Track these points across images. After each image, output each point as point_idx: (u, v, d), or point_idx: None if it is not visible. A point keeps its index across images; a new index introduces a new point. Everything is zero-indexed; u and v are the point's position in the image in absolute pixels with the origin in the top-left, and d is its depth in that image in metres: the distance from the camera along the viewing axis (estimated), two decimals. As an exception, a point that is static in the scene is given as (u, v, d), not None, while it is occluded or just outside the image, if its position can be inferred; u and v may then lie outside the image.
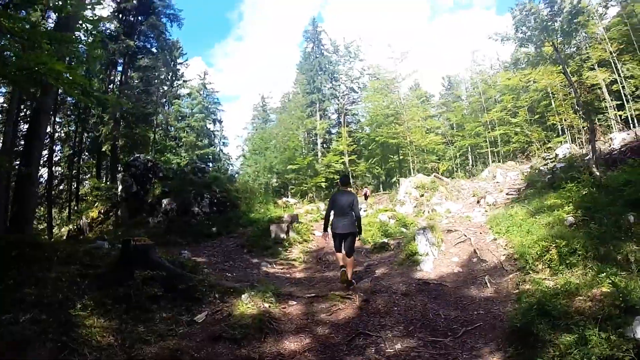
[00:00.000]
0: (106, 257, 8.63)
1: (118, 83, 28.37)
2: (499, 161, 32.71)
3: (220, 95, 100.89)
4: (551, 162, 20.46)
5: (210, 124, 49.18)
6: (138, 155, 20.33)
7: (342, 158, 36.84)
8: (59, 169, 30.17)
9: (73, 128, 29.49)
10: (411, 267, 10.17)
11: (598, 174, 11.92)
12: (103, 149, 25.48)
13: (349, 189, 8.85)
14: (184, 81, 45.27)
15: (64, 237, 20.67)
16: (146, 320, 6.24)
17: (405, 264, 10.43)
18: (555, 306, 5.68)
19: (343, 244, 8.50)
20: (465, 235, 12.23)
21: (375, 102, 35.63)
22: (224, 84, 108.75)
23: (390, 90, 34.41)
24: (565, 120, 30.22)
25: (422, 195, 20.69)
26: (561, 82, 29.88)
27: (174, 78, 44.59)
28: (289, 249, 13.24)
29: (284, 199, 20.65)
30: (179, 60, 44.85)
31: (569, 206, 10.29)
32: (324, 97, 43.61)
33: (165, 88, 43.80)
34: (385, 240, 13.11)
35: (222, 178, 19.44)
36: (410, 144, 32.43)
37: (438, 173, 26.36)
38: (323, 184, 35.30)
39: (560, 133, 31.77)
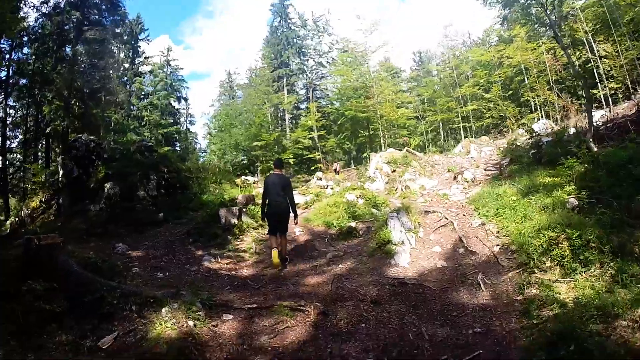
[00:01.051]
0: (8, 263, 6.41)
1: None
2: (472, 137, 30.85)
3: (190, 73, 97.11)
4: (529, 137, 18.92)
5: (175, 102, 46.01)
6: (79, 135, 17.55)
7: (311, 133, 34.46)
8: (17, 155, 26.94)
9: (26, 111, 26.21)
10: (383, 260, 8.11)
11: (596, 149, 9.93)
12: (48, 131, 22.53)
13: (281, 172, 8.89)
14: (145, 58, 42.14)
15: (7, 231, 18.04)
16: (38, 347, 4.65)
17: (377, 256, 8.35)
18: (597, 342, 3.57)
19: (278, 227, 8.55)
20: (447, 218, 10.16)
21: (344, 76, 33.03)
22: (194, 61, 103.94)
23: (359, 63, 31.92)
24: (538, 96, 28.53)
25: (394, 171, 18.60)
26: (536, 59, 28.41)
27: (134, 55, 41.40)
28: (241, 236, 10.97)
29: (243, 178, 18.25)
30: (140, 37, 41.69)
31: (569, 185, 8.36)
32: (292, 72, 41.03)
33: (126, 66, 40.62)
34: (353, 224, 11.01)
35: (171, 156, 16.84)
36: (381, 118, 30.22)
37: (410, 148, 24.20)
38: (291, 160, 32.94)
39: (533, 109, 30.11)
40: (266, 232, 9.77)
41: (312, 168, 32.24)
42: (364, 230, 10.21)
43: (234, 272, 8.67)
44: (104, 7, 26.51)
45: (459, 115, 33.94)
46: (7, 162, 24.95)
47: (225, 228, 11.21)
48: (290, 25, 42.49)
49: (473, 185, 14.81)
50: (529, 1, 19.75)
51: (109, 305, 5.66)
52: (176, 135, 45.52)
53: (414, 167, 19.26)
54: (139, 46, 41.78)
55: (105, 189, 15.20)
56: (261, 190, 11.68)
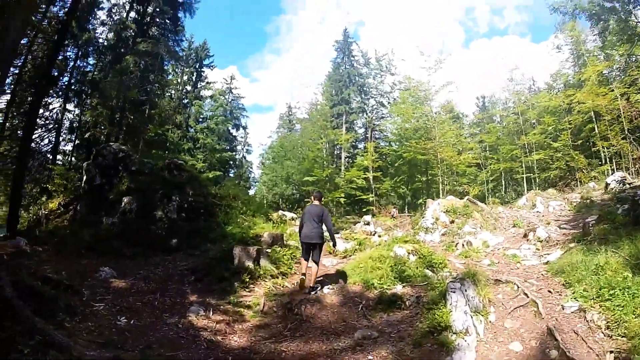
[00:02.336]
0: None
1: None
2: (536, 189, 27.21)
3: (254, 105, 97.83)
4: (604, 192, 15.48)
5: (233, 129, 45.21)
6: (110, 143, 15.91)
7: (366, 174, 32.07)
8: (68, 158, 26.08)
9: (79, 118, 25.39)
10: (436, 355, 5.29)
11: None
12: (86, 136, 21.28)
13: (320, 203, 8.87)
14: (207, 83, 41.67)
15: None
16: None
17: (426, 347, 5.59)
18: None
19: (311, 254, 8.50)
20: (526, 295, 7.16)
21: (404, 115, 30.46)
22: (259, 94, 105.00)
23: (421, 102, 29.39)
24: (612, 146, 25.25)
25: (453, 222, 15.52)
26: (608, 105, 25.12)
27: (197, 79, 41.04)
28: (252, 285, 8.40)
29: (280, 212, 15.75)
30: (204, 62, 41.42)
31: None
32: (352, 109, 39.06)
33: (188, 88, 40.24)
34: (399, 288, 8.20)
35: (202, 178, 14.70)
36: (441, 163, 27.33)
37: (471, 197, 21.03)
38: (342, 199, 30.45)
39: (604, 161, 26.48)
40: (285, 283, 7.40)
41: (364, 210, 29.69)
42: (412, 299, 7.32)
43: (220, 338, 6.12)
44: (162, 23, 25.49)
45: (523, 165, 30.54)
46: (60, 163, 23.86)
47: (236, 271, 8.73)
48: (352, 62, 40.85)
49: (548, 246, 11.69)
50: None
51: (16, 354, 4.00)
52: (231, 162, 44.43)
53: (475, 219, 16.14)
54: (203, 71, 41.70)
55: (123, 203, 13.30)
56: (296, 229, 10.29)
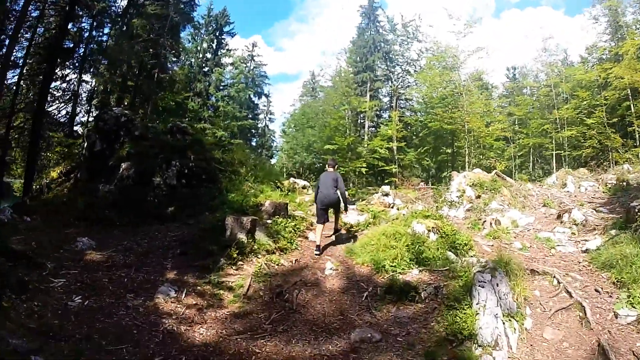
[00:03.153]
0: None
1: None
2: (565, 167, 25.01)
3: (279, 74, 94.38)
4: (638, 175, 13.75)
5: (255, 97, 43.89)
6: (111, 107, 14.75)
7: (390, 144, 30.17)
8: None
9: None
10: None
11: None
12: (94, 102, 20.19)
13: (334, 169, 8.94)
14: (227, 50, 40.01)
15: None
16: None
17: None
18: None
19: (325, 215, 8.52)
20: (569, 294, 5.67)
21: (432, 82, 28.18)
22: (284, 63, 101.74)
23: (449, 69, 27.13)
24: None
25: (479, 197, 13.92)
26: None
27: (218, 47, 39.47)
28: (241, 262, 7.08)
29: (291, 180, 14.32)
30: (224, 29, 39.77)
31: None
32: (376, 77, 36.59)
33: (209, 56, 38.78)
34: (415, 273, 6.77)
35: (206, 142, 13.34)
36: (468, 134, 25.26)
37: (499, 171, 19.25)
38: (363, 170, 28.78)
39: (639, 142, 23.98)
40: (282, 260, 6.57)
41: (386, 181, 27.92)
42: (429, 290, 5.82)
43: (183, 329, 4.89)
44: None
45: (554, 142, 28.18)
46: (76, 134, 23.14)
47: (226, 244, 7.40)
48: (378, 28, 38.17)
49: (585, 231, 10.14)
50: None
51: None
52: (253, 130, 43.16)
53: (504, 195, 14.53)
54: (223, 38, 39.89)
55: (121, 169, 12.21)
56: (307, 198, 11.05)
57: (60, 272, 6.19)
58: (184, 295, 5.80)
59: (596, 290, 5.90)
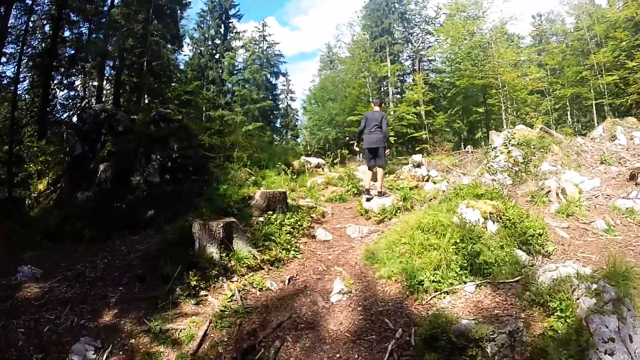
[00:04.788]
0: None
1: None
2: (609, 117, 21.45)
3: (297, 53, 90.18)
4: None
5: (272, 77, 41.10)
6: (91, 105, 12.47)
7: (417, 108, 27.27)
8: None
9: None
10: None
11: None
12: (83, 104, 18.01)
13: (380, 108, 8.49)
14: (236, 33, 37.35)
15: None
16: None
17: None
18: None
19: (374, 160, 8.09)
20: None
21: (456, 35, 24.49)
22: (301, 41, 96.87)
23: (473, 18, 23.61)
24: None
25: (527, 158, 11.05)
26: None
27: (226, 31, 36.87)
28: (208, 289, 4.59)
29: (303, 159, 11.61)
30: (230, 12, 37.10)
31: None
32: (395, 40, 33.42)
33: (217, 42, 36.23)
34: (469, 291, 4.12)
35: (192, 127, 10.78)
36: (502, 87, 21.84)
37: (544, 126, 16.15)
38: (392, 139, 25.69)
39: None
40: (268, 281, 4.17)
41: (417, 149, 25.33)
42: (500, 339, 3.04)
43: None
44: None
45: (592, 90, 24.30)
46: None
47: (193, 262, 4.93)
48: (390, -13, 34.65)
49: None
50: None
51: None
52: (274, 111, 40.64)
53: (555, 154, 11.74)
54: (230, 22, 37.21)
55: (99, 172, 9.98)
56: (320, 180, 9.56)
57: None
58: (104, 357, 3.42)
59: None
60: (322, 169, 11.41)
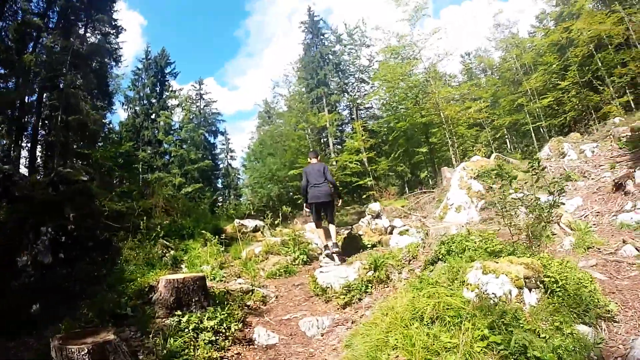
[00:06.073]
0: None
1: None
2: (546, 138, 21.67)
3: (236, 112, 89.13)
4: None
5: (210, 136, 38.73)
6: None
7: (359, 156, 25.74)
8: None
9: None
10: None
11: None
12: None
13: (317, 160, 7.63)
14: (172, 91, 35.21)
15: None
16: None
17: None
18: None
19: (325, 215, 7.17)
20: None
21: (393, 76, 23.45)
22: (240, 101, 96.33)
23: (409, 58, 22.81)
24: (626, 75, 19.68)
25: (491, 189, 9.60)
26: (611, 29, 19.53)
27: (162, 89, 34.70)
28: None
29: (237, 222, 9.17)
30: (166, 70, 35.16)
31: None
32: (331, 91, 32.55)
33: (153, 101, 33.85)
34: None
35: (94, 189, 8.24)
36: (446, 122, 20.85)
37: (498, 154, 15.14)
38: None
39: (614, 95, 20.74)
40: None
41: (364, 197, 24.21)
42: None
43: None
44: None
45: (527, 116, 24.54)
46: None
47: None
48: (323, 41, 34.28)
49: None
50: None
51: None
52: (214, 171, 38.13)
53: (519, 180, 10.48)
54: (167, 80, 35.15)
55: (-18, 253, 7.14)
56: (258, 249, 7.36)
57: None
58: None
59: None
60: (262, 232, 9.06)
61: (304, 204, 7.43)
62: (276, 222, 8.47)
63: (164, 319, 4.02)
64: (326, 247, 6.82)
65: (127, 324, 4.04)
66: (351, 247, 7.39)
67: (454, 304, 3.15)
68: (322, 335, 3.97)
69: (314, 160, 7.56)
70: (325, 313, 4.41)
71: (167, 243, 7.08)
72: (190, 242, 7.43)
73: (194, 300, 4.25)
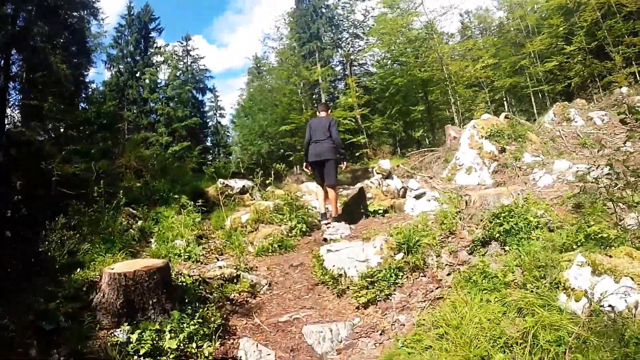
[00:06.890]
0: None
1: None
2: (548, 103, 20.23)
3: (226, 70, 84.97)
4: None
5: (198, 93, 36.48)
6: None
7: (353, 112, 24.35)
8: None
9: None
10: None
11: None
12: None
13: (327, 114, 6.59)
14: (157, 48, 32.95)
15: None
16: None
17: None
18: None
19: (324, 176, 5.98)
20: None
21: (392, 28, 21.57)
22: (231, 58, 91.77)
23: (407, 12, 20.92)
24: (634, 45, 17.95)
25: (504, 150, 8.55)
26: None
27: (146, 45, 32.43)
28: None
29: (221, 182, 7.67)
30: (150, 26, 32.77)
31: None
32: (324, 45, 30.47)
33: (138, 58, 31.54)
34: None
35: (49, 151, 6.59)
36: (450, 80, 19.28)
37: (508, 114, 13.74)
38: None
39: (619, 66, 18.77)
40: None
41: (357, 154, 23.06)
42: None
43: None
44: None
45: (528, 79, 22.78)
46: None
47: None
48: (316, -8, 31.78)
49: None
50: None
51: None
52: (203, 129, 36.37)
53: (533, 142, 9.44)
54: (151, 36, 32.81)
55: None
56: (244, 217, 5.92)
57: None
58: None
59: None
60: (251, 194, 7.67)
61: (304, 164, 6.55)
62: (267, 181, 7.08)
63: (108, 333, 2.72)
64: (324, 215, 5.89)
65: (58, 342, 2.72)
66: (358, 212, 6.09)
67: (555, 322, 1.88)
68: (338, 354, 2.68)
69: (322, 114, 6.59)
70: (340, 314, 3.12)
71: (134, 212, 5.71)
72: (164, 208, 6.06)
73: (151, 302, 2.92)
